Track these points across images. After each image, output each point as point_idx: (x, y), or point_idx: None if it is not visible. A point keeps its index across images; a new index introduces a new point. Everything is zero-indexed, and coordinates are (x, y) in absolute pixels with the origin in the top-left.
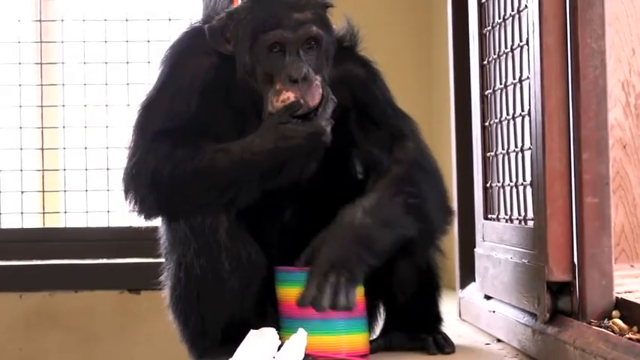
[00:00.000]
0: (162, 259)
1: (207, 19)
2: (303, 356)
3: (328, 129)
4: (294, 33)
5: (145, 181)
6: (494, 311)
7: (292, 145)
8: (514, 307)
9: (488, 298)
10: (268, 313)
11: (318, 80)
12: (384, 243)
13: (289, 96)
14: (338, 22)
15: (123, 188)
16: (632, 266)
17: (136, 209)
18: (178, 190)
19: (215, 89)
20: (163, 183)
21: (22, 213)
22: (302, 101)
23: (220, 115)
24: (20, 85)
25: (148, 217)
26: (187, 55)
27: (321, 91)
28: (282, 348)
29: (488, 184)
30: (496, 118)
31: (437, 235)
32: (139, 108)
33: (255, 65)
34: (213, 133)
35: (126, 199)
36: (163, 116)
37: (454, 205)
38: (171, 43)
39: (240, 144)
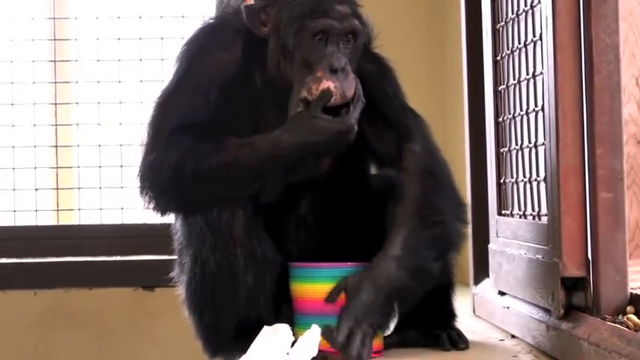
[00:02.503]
0: (176, 256)
1: (221, 14)
2: (316, 353)
3: (356, 127)
4: (339, 23)
5: (167, 175)
6: (508, 307)
7: (320, 140)
8: (528, 302)
9: (502, 294)
10: (282, 309)
11: (353, 76)
12: (416, 294)
13: (329, 85)
14: None
15: (140, 184)
16: None
17: (154, 204)
18: (202, 184)
19: (232, 84)
20: (186, 177)
21: (36, 210)
22: (340, 92)
23: (238, 109)
24: (34, 82)
25: (166, 212)
26: (204, 50)
27: (355, 84)
28: (295, 344)
29: (501, 180)
30: (509, 113)
31: (456, 249)
32: (155, 104)
33: (295, 50)
34: (231, 128)
35: (143, 194)
36: (181, 112)
37: (467, 201)
38: (187, 39)
39: (267, 138)
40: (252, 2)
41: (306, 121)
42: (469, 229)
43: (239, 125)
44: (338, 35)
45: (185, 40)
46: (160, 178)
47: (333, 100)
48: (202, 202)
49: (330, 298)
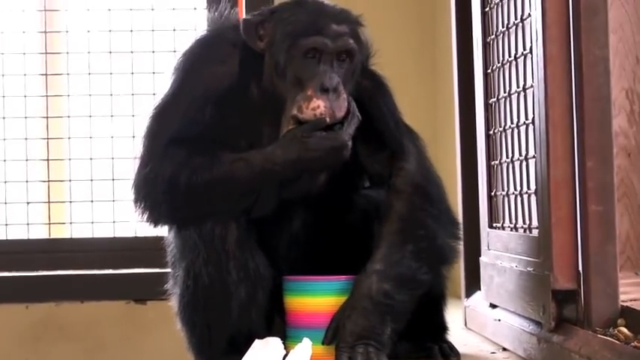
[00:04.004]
0: (169, 269)
1: (218, 27)
2: None
3: (350, 144)
4: (332, 42)
5: (160, 187)
6: (499, 320)
7: (314, 157)
8: (519, 315)
9: (493, 306)
10: (274, 323)
11: (345, 94)
12: (405, 305)
13: (319, 104)
14: None
15: (134, 195)
16: (637, 274)
17: (148, 216)
18: (195, 197)
19: (228, 97)
20: (180, 189)
21: (27, 224)
22: (330, 112)
23: (233, 123)
24: (25, 96)
25: (158, 223)
26: (201, 62)
27: (347, 104)
28: (287, 357)
29: (492, 193)
30: (500, 126)
31: (449, 263)
32: (150, 115)
33: (287, 67)
34: (227, 142)
35: (137, 206)
36: (177, 124)
37: (459, 214)
38: (183, 51)
39: (261, 154)
40: (250, 16)
41: (299, 138)
42: (461, 245)
43: (235, 138)
44: (331, 54)
45: (181, 52)
46: (154, 190)
47: (320, 120)
48: (195, 214)
49: (327, 339)
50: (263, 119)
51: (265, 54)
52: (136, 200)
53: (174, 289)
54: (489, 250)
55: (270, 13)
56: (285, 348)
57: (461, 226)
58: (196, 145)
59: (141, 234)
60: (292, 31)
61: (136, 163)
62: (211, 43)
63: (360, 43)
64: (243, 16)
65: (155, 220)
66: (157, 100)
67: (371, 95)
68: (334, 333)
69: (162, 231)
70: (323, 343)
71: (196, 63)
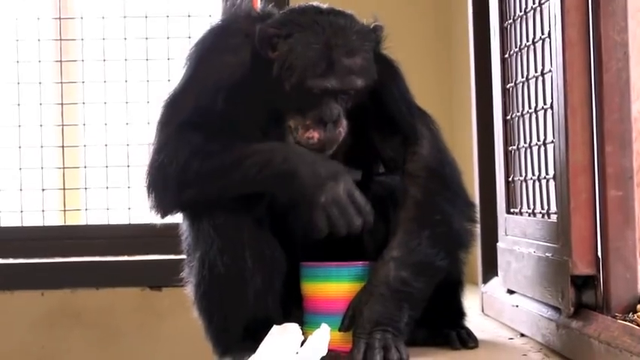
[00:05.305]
0: (184, 256)
1: (232, 16)
2: (326, 352)
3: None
4: (340, 83)
5: (173, 174)
6: (517, 305)
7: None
8: (537, 301)
9: (511, 292)
10: (291, 310)
11: (343, 125)
12: (422, 292)
13: (314, 135)
14: (364, 20)
15: (147, 181)
16: None
17: (159, 203)
18: (207, 186)
19: (241, 87)
20: (192, 177)
21: (43, 211)
22: (322, 143)
23: (244, 112)
24: (40, 83)
25: (170, 211)
26: (213, 52)
27: (342, 135)
28: (305, 344)
29: (510, 178)
30: (518, 111)
31: (465, 247)
32: (164, 103)
33: (292, 92)
34: (238, 131)
35: (149, 193)
36: (190, 112)
37: (476, 200)
38: (197, 39)
39: (280, 152)
40: (266, 26)
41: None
42: (477, 228)
43: (245, 128)
44: (337, 92)
45: (195, 41)
46: (167, 177)
47: (312, 147)
48: (207, 201)
49: (344, 326)
50: (270, 110)
51: (275, 64)
52: (148, 188)
53: (189, 278)
54: (507, 235)
55: (283, 24)
56: (302, 334)
57: (477, 208)
58: (208, 134)
59: (156, 221)
60: (302, 67)
61: (150, 150)
62: (224, 33)
63: (371, 72)
64: (258, 5)
65: (167, 208)
66: (171, 88)
67: (383, 80)
68: (351, 320)
69: (177, 218)
70: (340, 330)
71: (209, 52)
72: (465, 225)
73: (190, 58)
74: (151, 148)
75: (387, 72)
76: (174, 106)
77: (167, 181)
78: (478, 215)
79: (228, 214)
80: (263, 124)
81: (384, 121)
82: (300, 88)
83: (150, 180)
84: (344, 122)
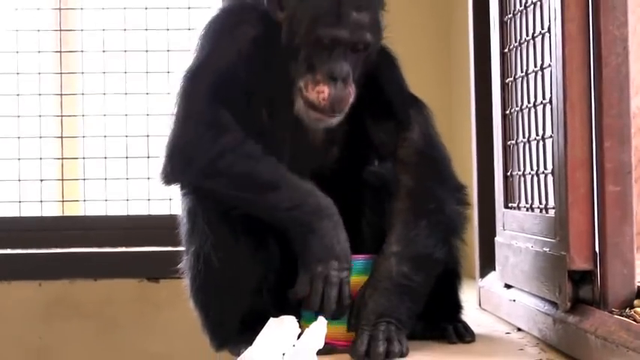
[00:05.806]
0: (182, 248)
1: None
2: (322, 345)
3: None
4: (350, 34)
5: (205, 156)
6: (514, 300)
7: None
8: (535, 295)
9: (508, 287)
10: (287, 303)
11: (352, 86)
12: (423, 285)
13: (324, 89)
14: None
15: (172, 147)
16: None
17: (171, 171)
18: (233, 189)
19: (257, 58)
20: (223, 171)
21: (41, 201)
22: (332, 100)
23: (260, 84)
24: (39, 73)
25: (176, 183)
26: (232, 25)
27: (351, 99)
28: (302, 336)
29: (508, 173)
30: (517, 106)
31: (459, 232)
32: (185, 76)
33: (302, 48)
34: (259, 102)
35: (169, 158)
36: (214, 84)
37: (474, 194)
38: (211, 17)
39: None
40: None
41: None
42: (475, 222)
43: (265, 99)
44: (347, 45)
45: (207, 21)
46: (197, 154)
47: (322, 105)
48: (218, 192)
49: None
50: (283, 79)
51: (283, 25)
52: (172, 153)
53: (186, 270)
54: (505, 230)
55: None
56: (299, 327)
57: (467, 190)
58: (235, 110)
59: (154, 212)
60: (311, 17)
61: (172, 121)
62: (238, 10)
63: (378, 32)
64: None
65: (178, 180)
66: (190, 61)
67: (379, 68)
68: (357, 317)
69: (175, 209)
70: (349, 330)
71: (228, 25)
72: (456, 208)
73: (207, 33)
74: (173, 120)
75: (384, 60)
76: (197, 78)
77: (194, 159)
78: (468, 197)
79: (222, 206)
80: (276, 94)
81: (379, 106)
82: (310, 38)
83: (175, 147)
84: (353, 86)
